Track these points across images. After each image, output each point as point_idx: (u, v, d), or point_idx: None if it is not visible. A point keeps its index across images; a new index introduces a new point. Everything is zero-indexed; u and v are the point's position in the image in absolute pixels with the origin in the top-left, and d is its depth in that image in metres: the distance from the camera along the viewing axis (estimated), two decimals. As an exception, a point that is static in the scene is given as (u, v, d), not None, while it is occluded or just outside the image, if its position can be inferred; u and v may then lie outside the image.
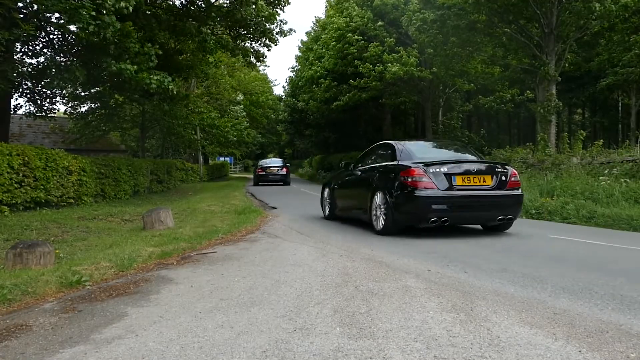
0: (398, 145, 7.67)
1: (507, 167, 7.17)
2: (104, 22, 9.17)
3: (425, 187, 6.50)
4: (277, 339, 2.73)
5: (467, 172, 6.76)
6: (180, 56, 16.97)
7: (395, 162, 7.29)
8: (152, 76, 11.42)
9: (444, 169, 6.66)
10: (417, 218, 6.77)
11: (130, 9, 9.74)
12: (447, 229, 7.22)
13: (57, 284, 3.99)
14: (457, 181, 6.64)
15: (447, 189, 6.55)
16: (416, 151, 7.51)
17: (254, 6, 14.12)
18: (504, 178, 6.91)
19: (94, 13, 9.01)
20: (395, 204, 6.74)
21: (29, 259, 4.62)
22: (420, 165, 6.73)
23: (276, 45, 16.82)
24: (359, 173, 8.42)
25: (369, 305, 3.36)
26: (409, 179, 6.59)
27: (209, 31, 13.90)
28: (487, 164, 7.23)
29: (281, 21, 16.47)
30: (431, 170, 6.60)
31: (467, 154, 7.96)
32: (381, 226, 7.03)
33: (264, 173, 25.38)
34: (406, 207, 6.71)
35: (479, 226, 7.83)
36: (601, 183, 10.05)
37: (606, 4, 15.10)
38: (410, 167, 6.75)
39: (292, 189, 21.99)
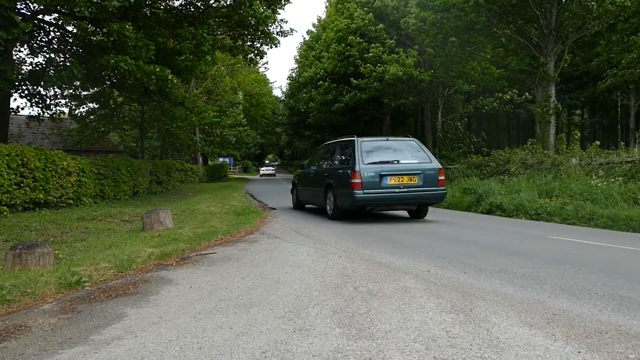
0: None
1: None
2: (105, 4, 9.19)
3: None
4: (276, 340, 2.72)
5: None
6: (179, 57, 16.92)
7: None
8: (152, 67, 11.30)
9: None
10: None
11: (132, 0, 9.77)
12: (448, 231, 7.23)
13: (56, 284, 3.98)
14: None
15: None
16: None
17: (251, 6, 14.03)
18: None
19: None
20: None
21: (28, 259, 4.61)
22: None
23: (277, 46, 16.57)
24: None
25: (369, 306, 3.36)
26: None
27: (204, 33, 13.80)
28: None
29: (282, 20, 16.33)
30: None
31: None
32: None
33: None
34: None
35: (481, 228, 8.10)
36: (598, 185, 10.04)
37: (605, 4, 15.11)
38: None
39: (290, 190, 21.92)
